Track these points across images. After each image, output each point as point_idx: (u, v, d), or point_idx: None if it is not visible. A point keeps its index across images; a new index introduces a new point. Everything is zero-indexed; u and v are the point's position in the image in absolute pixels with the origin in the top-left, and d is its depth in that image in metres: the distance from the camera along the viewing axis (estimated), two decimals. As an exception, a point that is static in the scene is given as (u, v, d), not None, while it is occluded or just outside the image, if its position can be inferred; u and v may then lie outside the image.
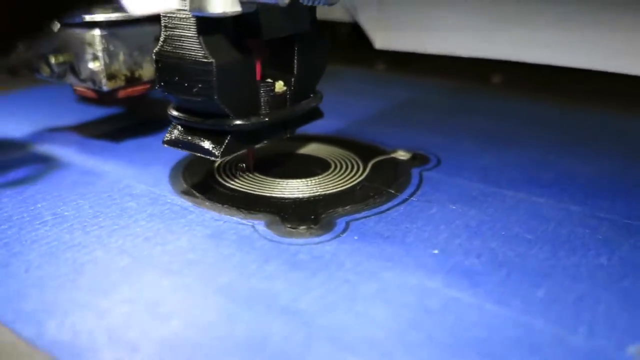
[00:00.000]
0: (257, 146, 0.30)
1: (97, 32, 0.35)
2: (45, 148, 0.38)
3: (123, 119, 0.45)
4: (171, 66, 0.27)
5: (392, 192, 0.31)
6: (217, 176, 0.32)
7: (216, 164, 0.34)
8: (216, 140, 0.28)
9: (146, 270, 0.24)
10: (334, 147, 0.37)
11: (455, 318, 0.21)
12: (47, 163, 0.35)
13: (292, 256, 0.25)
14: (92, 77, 0.36)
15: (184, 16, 0.26)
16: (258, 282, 0.23)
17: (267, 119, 0.28)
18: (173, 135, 0.29)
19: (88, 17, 0.35)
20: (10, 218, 0.28)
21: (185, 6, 0.25)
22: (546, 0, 0.43)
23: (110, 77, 0.36)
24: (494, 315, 0.21)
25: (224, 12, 0.24)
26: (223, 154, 0.27)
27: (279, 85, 0.29)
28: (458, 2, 0.46)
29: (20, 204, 0.29)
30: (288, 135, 0.31)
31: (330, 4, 0.26)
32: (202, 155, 0.28)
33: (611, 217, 0.28)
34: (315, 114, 0.32)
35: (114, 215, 0.28)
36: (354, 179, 0.32)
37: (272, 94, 0.28)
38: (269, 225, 0.27)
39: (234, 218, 0.28)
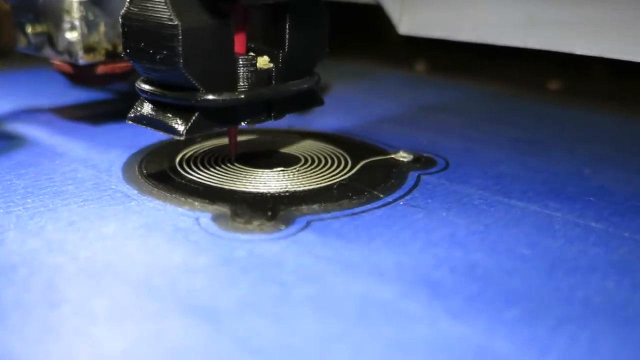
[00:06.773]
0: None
1: None
2: (16, 127, 0.39)
3: (111, 103, 0.46)
4: (136, 30, 0.26)
5: (376, 193, 0.29)
6: (178, 166, 0.32)
7: (182, 154, 0.34)
8: (183, 117, 0.27)
9: (53, 255, 0.23)
10: (327, 144, 0.36)
11: (395, 333, 0.19)
12: (6, 141, 0.35)
13: (228, 252, 0.23)
14: (69, 48, 0.36)
15: None
16: (174, 276, 0.22)
17: (242, 97, 0.27)
18: (138, 112, 0.28)
19: None
20: None
21: None
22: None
23: (88, 49, 0.36)
24: (445, 334, 0.19)
25: None
26: (188, 132, 0.27)
27: (263, 61, 0.28)
28: None
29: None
30: (272, 119, 0.30)
31: None
32: (167, 134, 0.27)
33: (638, 237, 0.26)
34: (311, 99, 0.31)
35: (46, 198, 0.28)
36: (334, 177, 0.31)
37: (253, 69, 0.28)
38: (215, 218, 0.26)
39: (179, 209, 0.27)
